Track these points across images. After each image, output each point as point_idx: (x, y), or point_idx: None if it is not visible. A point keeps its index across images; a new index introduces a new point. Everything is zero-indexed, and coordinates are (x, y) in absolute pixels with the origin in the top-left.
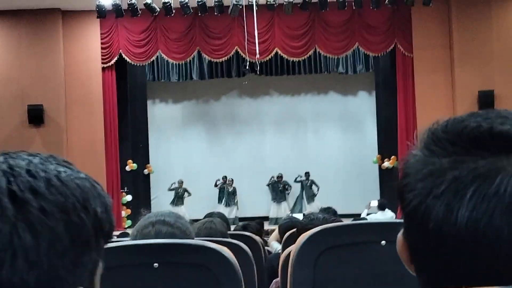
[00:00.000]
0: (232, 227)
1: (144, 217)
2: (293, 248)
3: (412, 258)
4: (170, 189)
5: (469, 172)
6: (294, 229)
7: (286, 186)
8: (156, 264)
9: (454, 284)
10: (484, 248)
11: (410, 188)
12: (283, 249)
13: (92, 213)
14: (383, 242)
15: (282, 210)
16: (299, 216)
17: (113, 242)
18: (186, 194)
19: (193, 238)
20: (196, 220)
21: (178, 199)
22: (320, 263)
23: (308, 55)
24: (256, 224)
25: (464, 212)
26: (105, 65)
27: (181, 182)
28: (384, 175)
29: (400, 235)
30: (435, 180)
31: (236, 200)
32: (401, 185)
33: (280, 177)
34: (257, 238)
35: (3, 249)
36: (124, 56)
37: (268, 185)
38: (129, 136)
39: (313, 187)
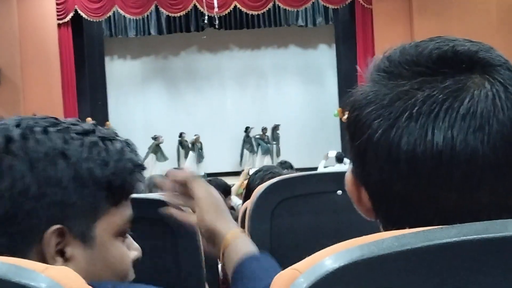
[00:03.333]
0: None
1: None
2: (249, 202)
3: (371, 196)
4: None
5: (440, 91)
6: None
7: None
8: None
9: (423, 216)
10: (460, 167)
11: (372, 117)
12: (243, 202)
13: (72, 165)
14: (339, 191)
15: (265, 163)
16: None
17: None
18: (158, 148)
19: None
20: None
21: (157, 156)
22: (276, 214)
23: (267, 8)
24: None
25: (439, 131)
26: (60, 22)
27: (155, 139)
28: (345, 128)
29: (348, 174)
30: (405, 102)
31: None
32: (354, 120)
33: (264, 129)
34: None
35: None
36: (79, 11)
37: (254, 138)
38: (88, 93)
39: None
